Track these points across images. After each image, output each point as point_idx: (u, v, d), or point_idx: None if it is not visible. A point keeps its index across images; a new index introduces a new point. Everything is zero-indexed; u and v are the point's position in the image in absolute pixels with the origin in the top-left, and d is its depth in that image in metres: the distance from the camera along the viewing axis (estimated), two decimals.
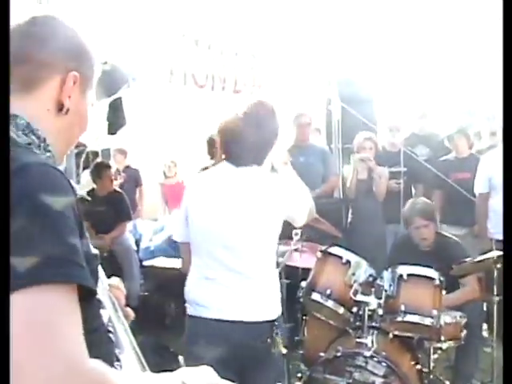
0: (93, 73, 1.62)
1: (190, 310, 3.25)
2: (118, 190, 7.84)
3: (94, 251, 1.41)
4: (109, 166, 7.73)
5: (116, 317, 1.69)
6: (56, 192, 1.26)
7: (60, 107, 1.52)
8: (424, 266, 4.52)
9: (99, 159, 7.96)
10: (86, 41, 1.60)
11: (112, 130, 7.91)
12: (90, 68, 1.61)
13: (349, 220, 7.01)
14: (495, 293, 4.89)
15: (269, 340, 3.16)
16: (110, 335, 1.57)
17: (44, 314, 1.13)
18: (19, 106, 1.45)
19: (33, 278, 1.14)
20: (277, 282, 3.35)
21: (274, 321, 3.21)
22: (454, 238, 5.44)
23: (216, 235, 3.18)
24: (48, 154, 1.47)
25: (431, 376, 4.61)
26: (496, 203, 6.19)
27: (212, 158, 6.50)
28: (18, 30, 1.49)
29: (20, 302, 1.12)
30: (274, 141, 3.25)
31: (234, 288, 3.16)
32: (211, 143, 6.17)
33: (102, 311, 1.54)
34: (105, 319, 1.57)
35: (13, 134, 1.41)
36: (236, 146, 3.18)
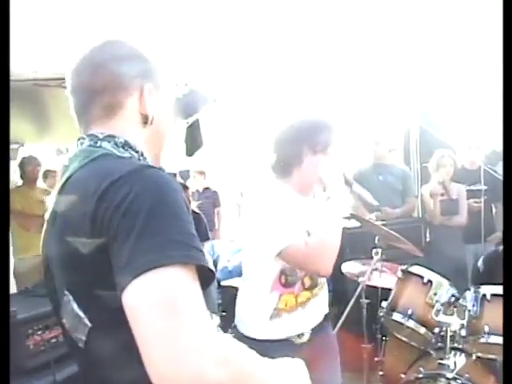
0: (164, 79, 1.67)
1: None
2: (196, 210, 7.93)
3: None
4: (187, 187, 7.82)
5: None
6: (176, 188, 1.37)
7: (145, 120, 1.60)
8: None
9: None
10: (149, 53, 1.64)
11: (189, 152, 8.02)
12: (161, 75, 1.65)
13: (428, 239, 6.93)
14: None
15: None
16: None
17: (174, 291, 1.21)
18: (108, 127, 1.55)
19: (164, 259, 1.22)
20: None
21: None
22: None
23: None
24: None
25: None
26: None
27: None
28: (86, 62, 1.57)
29: (152, 280, 1.20)
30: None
31: None
32: None
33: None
34: None
35: (114, 150, 1.52)
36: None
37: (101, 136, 1.54)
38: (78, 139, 1.58)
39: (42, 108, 6.46)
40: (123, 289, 1.22)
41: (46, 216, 1.55)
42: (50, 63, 4.66)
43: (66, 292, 1.42)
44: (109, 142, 1.53)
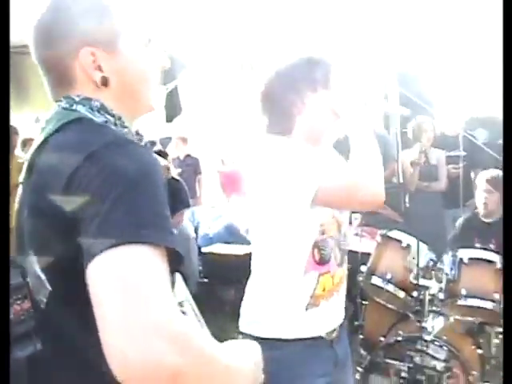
0: (113, 33, 1.51)
1: None
2: (177, 177, 7.91)
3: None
4: (166, 154, 7.79)
5: (188, 301, 1.72)
6: (155, 167, 1.33)
7: (101, 83, 1.50)
8: (487, 239, 4.54)
9: (157, 148, 8.05)
10: (103, 15, 1.51)
11: (169, 118, 8.02)
12: (116, 38, 1.51)
13: (407, 205, 6.97)
14: None
15: None
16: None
17: (141, 270, 1.17)
18: (71, 93, 1.51)
19: (135, 237, 1.19)
20: None
21: None
22: None
23: None
24: (125, 129, 1.51)
25: (493, 361, 4.58)
26: None
27: None
28: (36, 29, 1.51)
29: (119, 256, 1.17)
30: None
31: None
32: None
33: (179, 289, 1.58)
34: (181, 298, 1.61)
35: (89, 114, 1.46)
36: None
37: (77, 99, 1.48)
38: (56, 101, 1.53)
39: (20, 77, 6.39)
40: (88, 261, 1.18)
41: (21, 176, 1.52)
42: (26, 30, 4.60)
43: (31, 252, 1.41)
44: (84, 105, 1.47)
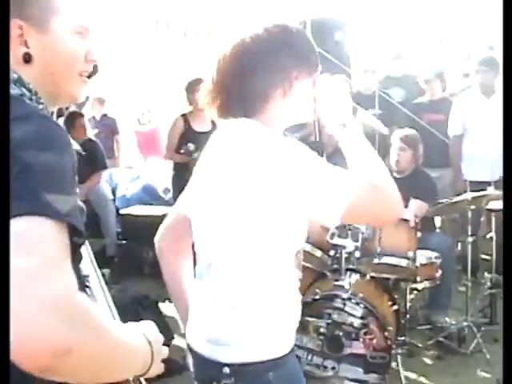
0: (48, 11, 1.49)
1: None
2: (93, 139, 7.78)
3: (81, 205, 1.43)
4: (82, 115, 7.65)
5: (94, 275, 1.70)
6: (65, 143, 1.33)
7: (24, 58, 1.47)
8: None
9: (72, 108, 7.87)
10: None
11: None
12: (46, 13, 1.49)
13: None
14: (469, 233, 4.99)
15: None
16: (87, 289, 1.57)
17: (42, 241, 1.16)
18: None
19: (33, 209, 1.18)
20: None
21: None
22: (430, 176, 5.57)
23: None
24: (40, 106, 1.48)
25: (407, 316, 4.71)
26: (469, 145, 6.26)
27: (191, 105, 6.44)
28: None
29: (20, 225, 1.15)
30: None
31: None
32: (191, 89, 6.10)
33: (82, 264, 1.55)
34: (84, 272, 1.58)
35: None
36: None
37: None
38: None
39: None
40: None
41: None
42: None
43: None
44: None
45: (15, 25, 1.44)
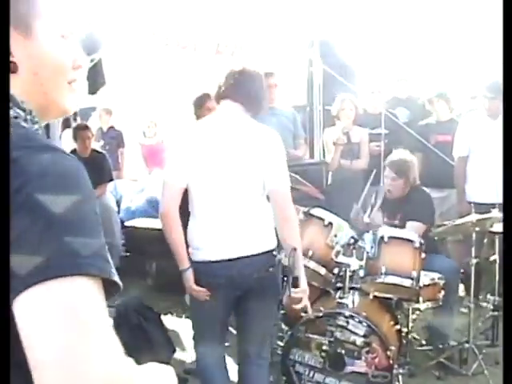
0: (31, 15, 1.35)
1: (194, 255, 3.57)
2: (99, 150, 7.82)
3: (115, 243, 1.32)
4: (87, 127, 7.67)
5: None
6: (85, 185, 1.17)
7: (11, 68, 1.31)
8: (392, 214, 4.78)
9: (78, 119, 7.91)
10: None
11: (92, 90, 7.89)
12: (23, 9, 1.33)
13: (329, 182, 7.06)
14: (473, 255, 4.99)
15: (271, 269, 3.57)
16: None
17: (79, 305, 1.04)
18: None
19: (69, 268, 1.04)
20: (269, 216, 3.56)
21: (272, 250, 3.59)
22: (427, 194, 5.57)
23: (215, 180, 3.47)
24: (36, 125, 1.34)
25: (409, 336, 4.72)
26: (474, 166, 6.26)
27: (198, 119, 6.46)
28: None
29: (52, 290, 1.02)
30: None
31: (232, 227, 3.49)
32: (198, 104, 6.11)
33: None
34: None
35: None
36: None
37: None
38: None
39: None
40: (16, 295, 1.02)
41: None
42: None
43: None
44: None
45: None
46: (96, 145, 8.05)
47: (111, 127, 9.65)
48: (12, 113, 1.27)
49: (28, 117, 1.32)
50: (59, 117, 1.54)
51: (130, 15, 5.95)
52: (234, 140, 3.49)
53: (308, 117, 8.37)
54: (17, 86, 1.31)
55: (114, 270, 1.13)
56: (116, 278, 1.12)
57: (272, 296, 3.70)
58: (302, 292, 3.55)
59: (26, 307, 1.02)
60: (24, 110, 1.31)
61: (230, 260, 3.45)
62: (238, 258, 3.45)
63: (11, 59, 1.30)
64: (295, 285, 3.49)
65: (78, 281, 1.04)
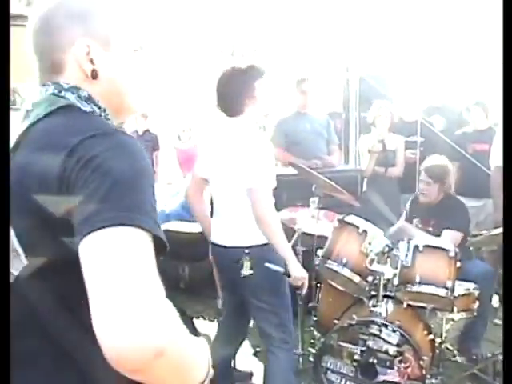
0: (110, 30, 1.59)
1: None
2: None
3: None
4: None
5: None
6: (146, 159, 1.41)
7: (92, 75, 1.56)
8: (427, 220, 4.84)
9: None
10: (100, 10, 1.59)
11: None
12: (111, 33, 1.59)
13: (364, 189, 7.04)
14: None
15: (240, 261, 3.72)
16: None
17: (134, 252, 1.24)
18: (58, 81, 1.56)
19: (129, 219, 1.26)
20: (248, 218, 3.76)
21: (244, 247, 3.74)
22: (461, 202, 5.52)
23: (212, 175, 3.99)
24: (109, 121, 1.56)
25: (442, 346, 4.67)
26: None
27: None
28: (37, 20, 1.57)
29: (114, 235, 1.23)
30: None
31: (224, 219, 3.93)
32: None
33: None
34: None
35: (78, 103, 1.52)
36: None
37: (66, 86, 1.54)
38: (43, 85, 1.57)
39: None
40: (81, 238, 1.24)
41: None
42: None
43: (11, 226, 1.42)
44: (73, 93, 1.53)
45: (82, 43, 1.54)
46: None
47: (147, 130, 9.71)
48: (89, 108, 1.54)
49: (102, 114, 1.57)
50: (128, 117, 1.78)
51: (166, 20, 5.98)
52: (223, 141, 3.92)
53: (344, 123, 8.35)
54: (95, 90, 1.56)
55: (162, 234, 1.34)
56: (163, 237, 1.34)
57: (260, 291, 3.87)
58: (298, 280, 3.79)
59: (92, 247, 1.23)
60: (99, 108, 1.56)
61: (213, 244, 3.99)
62: (218, 245, 3.93)
63: (93, 67, 1.56)
64: (288, 275, 3.76)
65: (135, 230, 1.26)
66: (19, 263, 1.40)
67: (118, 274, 1.20)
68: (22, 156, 1.44)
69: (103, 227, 1.23)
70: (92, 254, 1.23)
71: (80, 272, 1.23)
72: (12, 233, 1.40)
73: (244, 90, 3.78)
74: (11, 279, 1.42)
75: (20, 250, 1.39)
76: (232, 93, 3.80)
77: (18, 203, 1.39)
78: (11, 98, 6.77)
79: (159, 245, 1.33)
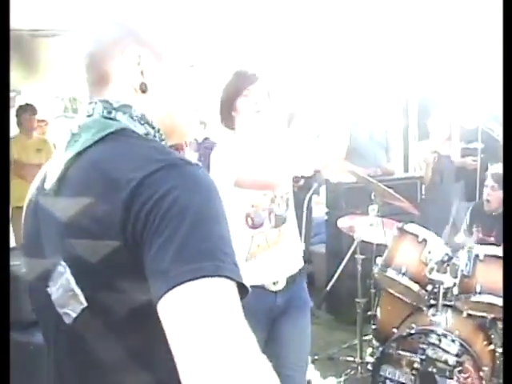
0: (167, 49, 1.44)
1: None
2: (193, 162, 7.92)
3: None
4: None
5: None
6: (218, 191, 1.24)
7: (141, 88, 1.40)
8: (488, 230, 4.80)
9: None
10: (148, 19, 1.45)
11: None
12: (161, 44, 1.43)
13: (423, 197, 6.98)
14: None
15: None
16: None
17: (220, 305, 1.09)
18: (102, 94, 1.42)
19: (212, 270, 1.11)
20: None
21: None
22: None
23: None
24: (163, 143, 1.42)
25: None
26: None
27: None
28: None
29: (197, 290, 1.09)
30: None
31: None
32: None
33: None
34: None
35: (130, 125, 1.38)
36: None
37: (116, 105, 1.38)
38: (90, 103, 1.42)
39: (38, 57, 6.48)
40: (161, 295, 1.09)
41: (47, 183, 1.38)
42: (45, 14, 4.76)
43: (62, 263, 1.28)
44: (124, 113, 1.38)
45: (134, 52, 1.40)
46: (192, 155, 8.17)
47: (206, 138, 9.78)
48: (143, 129, 1.39)
49: (156, 134, 1.42)
50: (179, 141, 1.60)
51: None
52: None
53: (403, 131, 8.31)
54: (145, 106, 1.41)
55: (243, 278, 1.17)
56: (246, 283, 1.16)
57: None
58: None
59: (174, 305, 1.09)
60: (153, 128, 1.41)
61: None
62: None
63: (143, 80, 1.40)
64: None
65: (221, 281, 1.10)
66: (78, 304, 1.27)
67: (210, 334, 1.06)
68: (71, 192, 1.30)
69: (187, 281, 1.08)
70: (176, 312, 1.09)
71: (151, 324, 1.13)
72: (68, 271, 1.27)
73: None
74: (66, 319, 1.31)
75: (78, 291, 1.26)
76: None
77: (71, 248, 1.24)
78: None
79: (241, 290, 1.16)
